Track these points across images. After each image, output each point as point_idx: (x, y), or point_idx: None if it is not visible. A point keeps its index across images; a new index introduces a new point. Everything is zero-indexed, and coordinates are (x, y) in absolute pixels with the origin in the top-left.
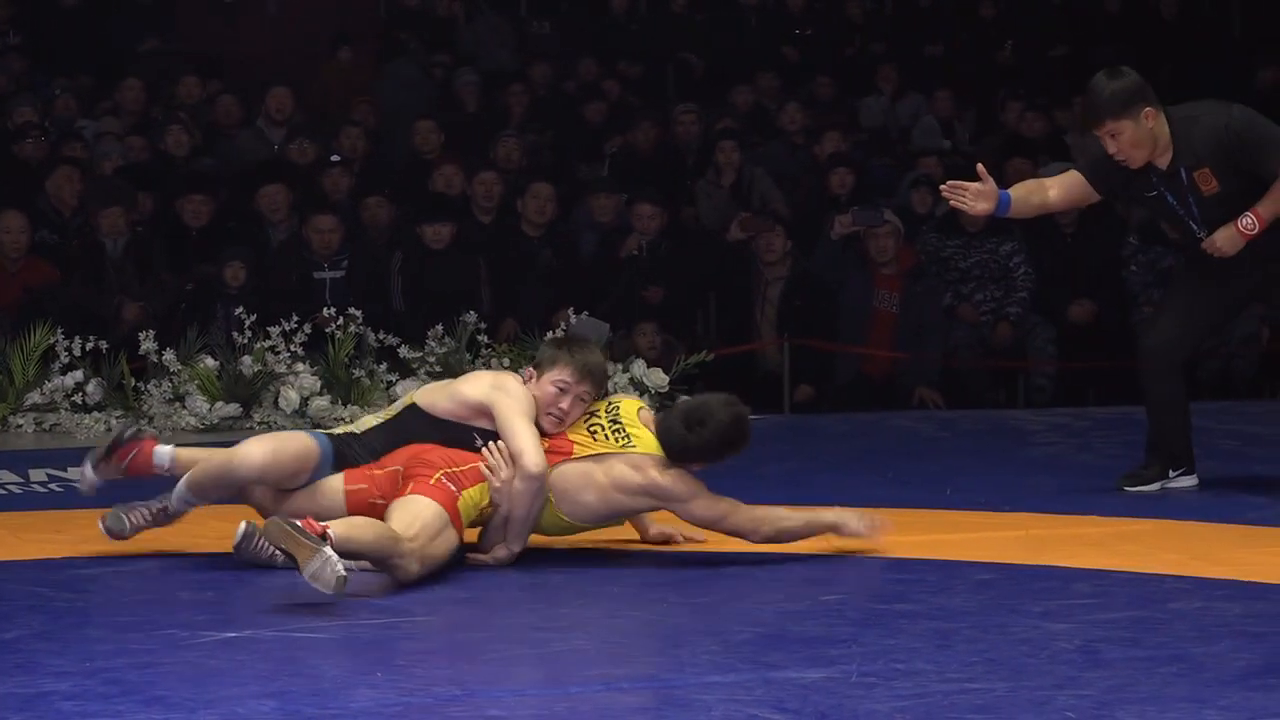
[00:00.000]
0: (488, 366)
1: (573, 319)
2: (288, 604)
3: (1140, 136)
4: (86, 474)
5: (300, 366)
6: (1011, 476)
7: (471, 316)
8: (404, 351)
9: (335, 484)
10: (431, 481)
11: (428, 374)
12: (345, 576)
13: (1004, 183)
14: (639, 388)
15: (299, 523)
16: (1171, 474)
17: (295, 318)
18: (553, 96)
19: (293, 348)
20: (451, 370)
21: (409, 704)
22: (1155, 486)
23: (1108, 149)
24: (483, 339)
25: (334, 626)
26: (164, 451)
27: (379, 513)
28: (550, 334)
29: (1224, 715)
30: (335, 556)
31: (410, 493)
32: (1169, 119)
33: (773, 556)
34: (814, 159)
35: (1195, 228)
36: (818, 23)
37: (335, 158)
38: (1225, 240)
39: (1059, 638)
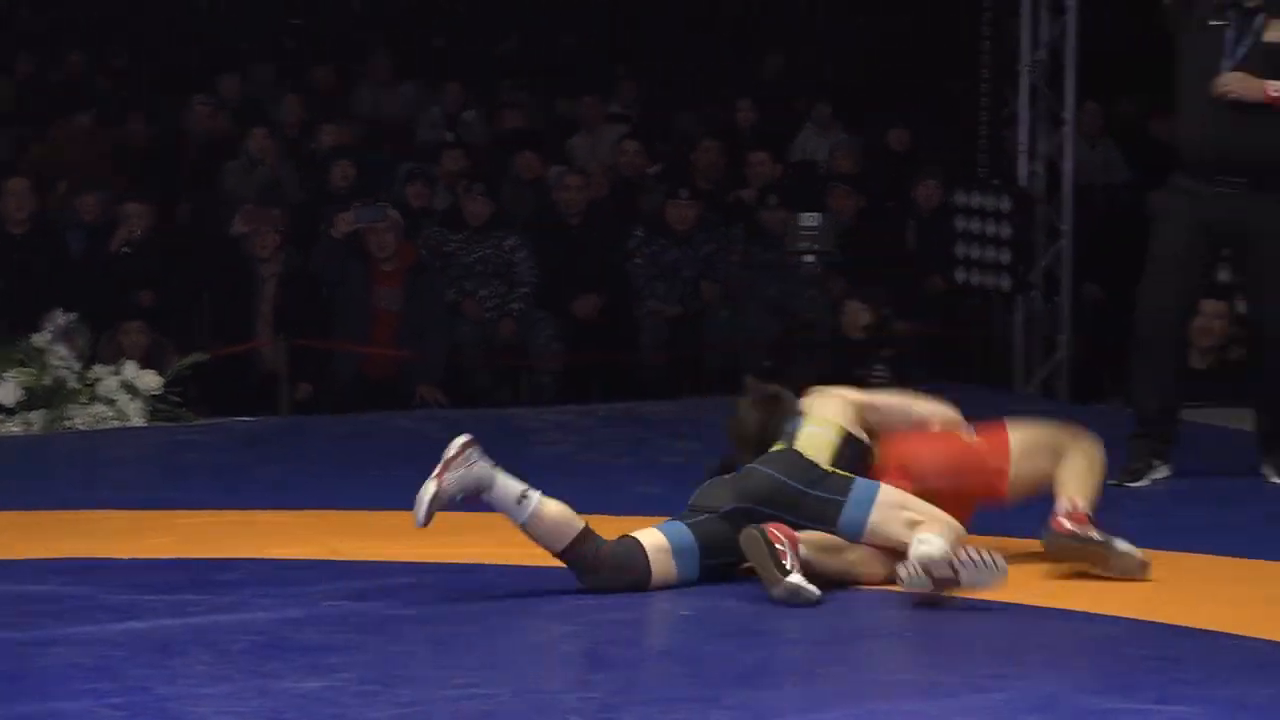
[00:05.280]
0: None
1: (60, 320)
2: None
3: None
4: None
5: None
6: (516, 476)
7: None
8: None
9: None
10: None
11: None
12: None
13: (509, 177)
14: (130, 390)
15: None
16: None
17: None
18: (40, 89)
19: None
20: None
21: None
22: None
23: None
24: None
25: None
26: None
27: None
28: (36, 335)
29: (729, 714)
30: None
31: None
32: None
33: (274, 564)
34: (312, 152)
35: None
36: (314, 12)
37: None
38: (1239, 82)
39: (565, 640)
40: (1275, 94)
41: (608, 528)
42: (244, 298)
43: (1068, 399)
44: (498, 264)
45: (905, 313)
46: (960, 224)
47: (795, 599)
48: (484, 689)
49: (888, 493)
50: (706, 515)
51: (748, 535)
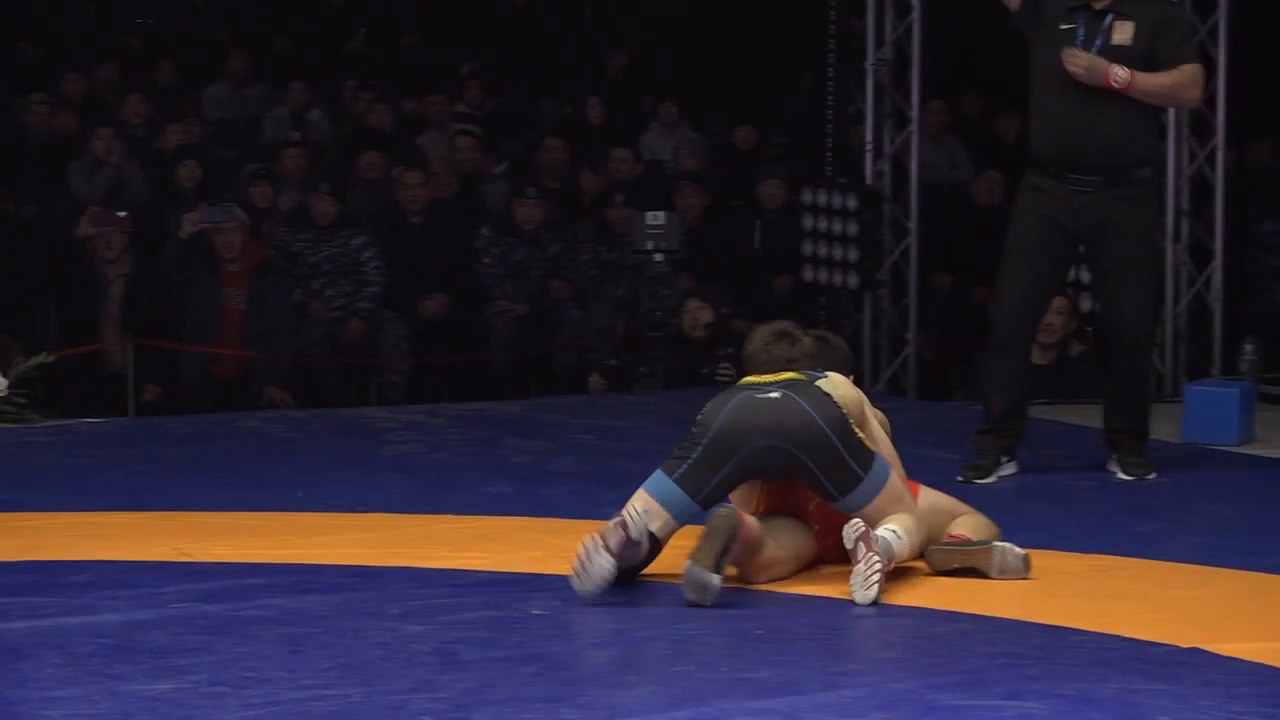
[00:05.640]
0: None
1: None
2: None
3: None
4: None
5: None
6: (366, 476)
7: None
8: None
9: None
10: None
11: None
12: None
13: (356, 177)
14: None
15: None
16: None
17: None
18: None
19: None
20: None
21: None
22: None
23: None
24: None
25: None
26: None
27: None
28: None
29: (581, 713)
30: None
31: None
32: None
33: (122, 565)
34: (157, 152)
35: None
36: (158, 10)
37: None
38: (1089, 62)
39: (415, 640)
40: (1117, 83)
41: (449, 529)
42: (90, 299)
43: (915, 396)
44: (345, 263)
45: (753, 311)
46: (808, 222)
47: (697, 594)
48: (334, 689)
49: (893, 483)
50: (728, 466)
51: (722, 515)
